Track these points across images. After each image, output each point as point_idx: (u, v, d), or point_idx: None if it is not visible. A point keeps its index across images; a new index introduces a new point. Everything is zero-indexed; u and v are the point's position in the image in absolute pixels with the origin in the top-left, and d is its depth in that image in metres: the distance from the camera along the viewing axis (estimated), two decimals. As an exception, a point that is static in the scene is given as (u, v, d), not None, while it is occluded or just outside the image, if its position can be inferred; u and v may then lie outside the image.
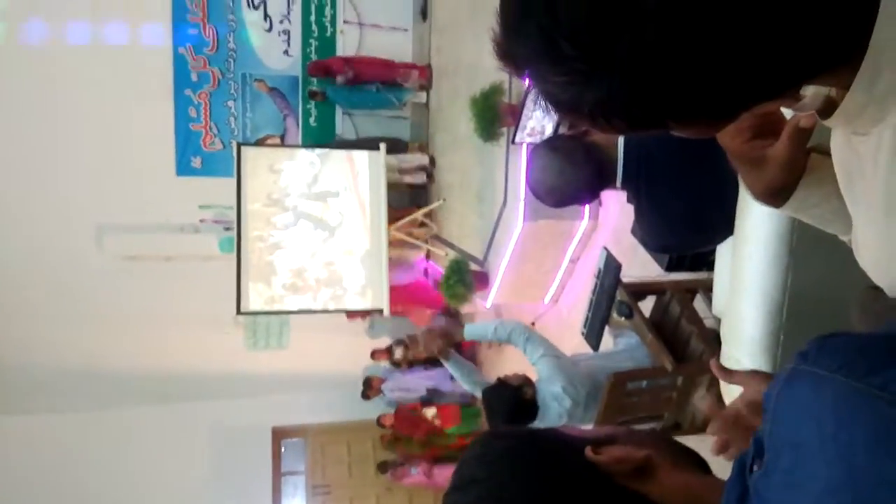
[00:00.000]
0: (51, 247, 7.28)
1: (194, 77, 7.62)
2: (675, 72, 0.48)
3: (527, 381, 2.66)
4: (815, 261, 1.48)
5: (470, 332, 2.83)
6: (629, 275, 3.02)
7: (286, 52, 7.80)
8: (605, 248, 3.06)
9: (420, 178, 7.44)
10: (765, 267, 1.45)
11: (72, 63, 7.16)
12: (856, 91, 0.56)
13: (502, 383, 2.65)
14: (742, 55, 0.48)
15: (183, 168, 7.67)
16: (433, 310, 6.98)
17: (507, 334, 2.72)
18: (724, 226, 1.76)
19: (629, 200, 1.94)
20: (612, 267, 2.97)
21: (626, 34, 0.46)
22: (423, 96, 7.63)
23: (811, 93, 0.65)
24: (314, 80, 7.68)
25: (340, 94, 7.59)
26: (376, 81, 7.47)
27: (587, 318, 3.10)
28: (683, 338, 2.73)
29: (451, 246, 6.57)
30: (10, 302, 7.25)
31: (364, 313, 7.09)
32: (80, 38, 7.28)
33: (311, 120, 7.92)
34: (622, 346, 2.95)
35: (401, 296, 6.80)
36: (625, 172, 1.81)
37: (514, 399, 2.57)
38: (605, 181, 1.85)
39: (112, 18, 7.30)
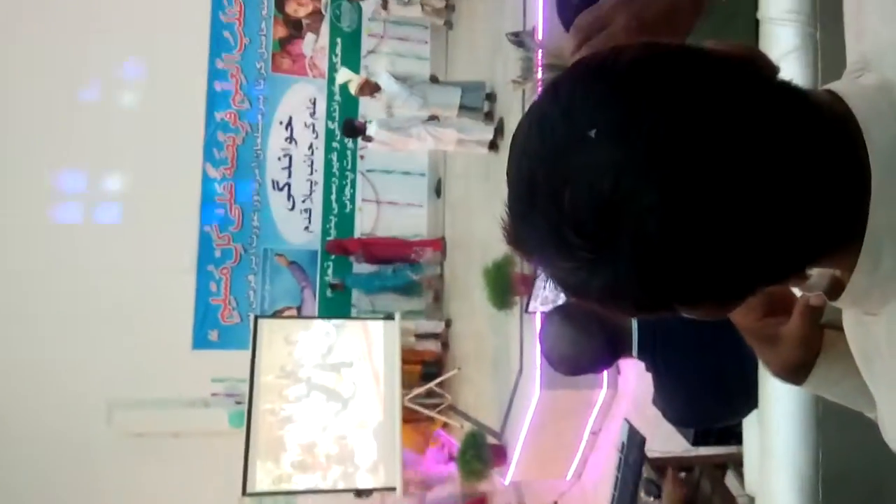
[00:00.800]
0: (59, 423, 7.14)
1: (218, 253, 7.95)
2: (677, 260, 0.49)
3: None
4: (846, 431, 1.41)
5: None
6: (654, 448, 2.87)
7: (307, 228, 8.20)
8: (627, 421, 2.95)
9: (434, 346, 7.42)
10: (794, 443, 1.38)
11: (99, 239, 7.53)
12: (859, 275, 0.57)
13: None
14: (741, 244, 0.50)
15: (199, 342, 7.74)
16: None
17: None
18: (747, 397, 1.70)
19: (648, 369, 1.90)
20: (635, 441, 2.84)
21: (628, 225, 0.48)
22: (437, 269, 7.84)
23: (817, 273, 0.67)
24: (332, 257, 7.97)
25: (359, 281, 7.78)
26: (393, 260, 7.72)
27: (613, 498, 2.91)
28: (718, 519, 2.53)
29: (467, 417, 6.37)
30: (10, 480, 6.98)
31: None
32: (110, 217, 7.73)
33: (328, 292, 8.11)
34: None
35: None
36: (640, 342, 1.80)
37: None
38: (621, 351, 1.83)
39: (142, 199, 7.80)
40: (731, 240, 0.49)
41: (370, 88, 6.12)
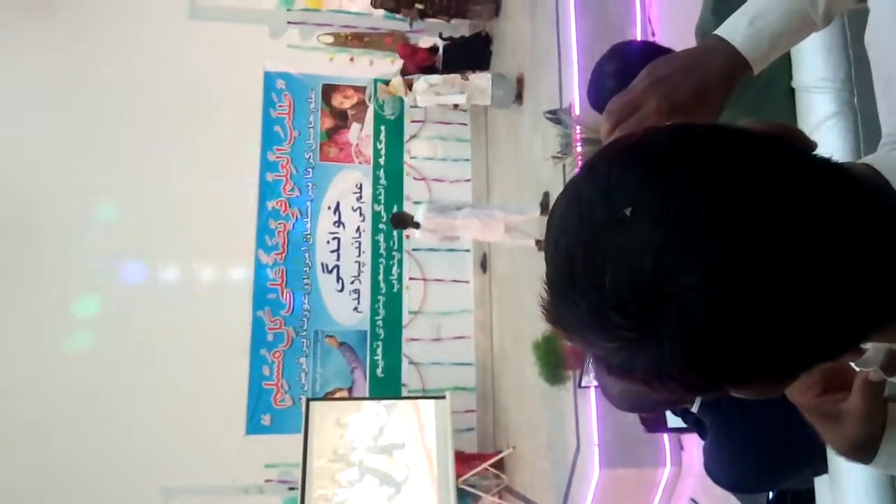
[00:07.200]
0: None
1: (270, 337, 8.08)
2: (724, 339, 0.48)
3: None
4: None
5: None
6: (725, 530, 2.71)
7: (356, 308, 8.30)
8: (694, 501, 2.81)
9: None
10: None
11: (154, 329, 7.72)
12: None
13: None
14: (787, 322, 0.48)
15: (253, 427, 7.77)
16: None
17: None
18: (815, 453, 1.62)
19: (705, 429, 1.83)
20: (703, 522, 2.69)
21: (672, 304, 0.47)
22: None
23: (872, 347, 0.65)
24: (381, 337, 7.93)
25: None
26: None
27: (685, 585, 2.73)
28: None
29: (525, 500, 6.14)
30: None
31: None
32: (165, 307, 7.96)
33: (379, 371, 8.10)
34: None
35: None
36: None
37: None
38: (681, 402, 1.78)
39: (197, 287, 8.06)
40: (776, 318, 0.48)
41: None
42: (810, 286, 0.48)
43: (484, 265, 8.18)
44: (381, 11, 8.59)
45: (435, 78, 7.39)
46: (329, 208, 8.57)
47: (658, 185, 0.49)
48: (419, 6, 8.19)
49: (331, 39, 8.92)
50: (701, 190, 0.48)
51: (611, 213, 0.49)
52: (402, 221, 6.49)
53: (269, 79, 8.73)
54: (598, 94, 1.67)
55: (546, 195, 6.11)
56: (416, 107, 8.39)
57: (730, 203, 0.47)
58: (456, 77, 7.25)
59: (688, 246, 0.47)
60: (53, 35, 8.19)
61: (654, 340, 0.49)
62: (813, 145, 0.56)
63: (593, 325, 0.50)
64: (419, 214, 6.23)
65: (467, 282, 8.34)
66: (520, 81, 6.93)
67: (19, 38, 8.09)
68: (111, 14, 8.36)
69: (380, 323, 8.26)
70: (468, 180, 8.64)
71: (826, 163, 0.54)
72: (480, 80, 7.15)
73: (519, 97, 7.02)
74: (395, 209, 8.20)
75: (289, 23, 8.82)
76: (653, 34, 4.50)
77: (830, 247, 0.49)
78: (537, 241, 6.04)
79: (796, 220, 0.48)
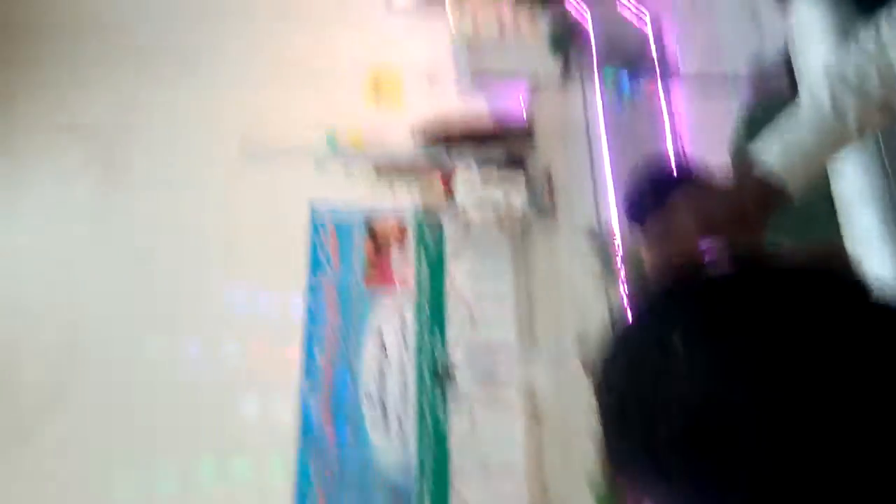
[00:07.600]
0: None
1: (314, 478, 7.73)
2: (784, 477, 0.47)
3: None
4: None
5: None
6: None
7: (400, 442, 7.94)
8: None
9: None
10: None
11: (194, 472, 7.50)
12: None
13: None
14: (845, 458, 0.47)
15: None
16: None
17: None
18: None
19: None
20: None
21: (729, 445, 0.47)
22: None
23: None
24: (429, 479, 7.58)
25: None
26: None
27: None
28: None
29: None
30: None
31: None
32: (214, 443, 7.79)
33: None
34: None
35: None
36: None
37: None
38: None
39: (244, 428, 7.89)
40: (833, 452, 0.47)
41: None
42: (870, 423, 0.47)
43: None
44: (422, 145, 8.96)
45: (473, 173, 7.84)
46: (372, 335, 8.48)
47: (705, 327, 0.50)
48: (456, 138, 8.54)
49: (373, 172, 9.26)
50: (748, 328, 0.49)
51: (659, 357, 0.51)
52: (446, 375, 6.34)
53: (314, 211, 9.03)
54: (633, 207, 1.81)
55: (582, 333, 5.86)
56: (456, 218, 8.44)
57: (778, 343, 0.48)
58: (493, 171, 7.72)
59: (740, 385, 0.48)
60: (99, 166, 8.70)
61: (713, 483, 0.49)
62: (857, 269, 0.57)
63: (648, 470, 0.52)
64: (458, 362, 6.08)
65: (515, 419, 7.93)
66: (548, 178, 7.22)
67: (64, 167, 8.62)
68: (161, 151, 8.88)
69: (425, 460, 7.85)
70: (510, 303, 8.47)
71: (872, 295, 0.53)
72: (515, 175, 7.52)
73: (552, 208, 7.11)
74: (437, 365, 8.07)
75: (333, 158, 9.25)
76: (684, 151, 4.47)
77: (882, 383, 0.48)
78: (584, 366, 5.73)
79: (848, 356, 0.48)
